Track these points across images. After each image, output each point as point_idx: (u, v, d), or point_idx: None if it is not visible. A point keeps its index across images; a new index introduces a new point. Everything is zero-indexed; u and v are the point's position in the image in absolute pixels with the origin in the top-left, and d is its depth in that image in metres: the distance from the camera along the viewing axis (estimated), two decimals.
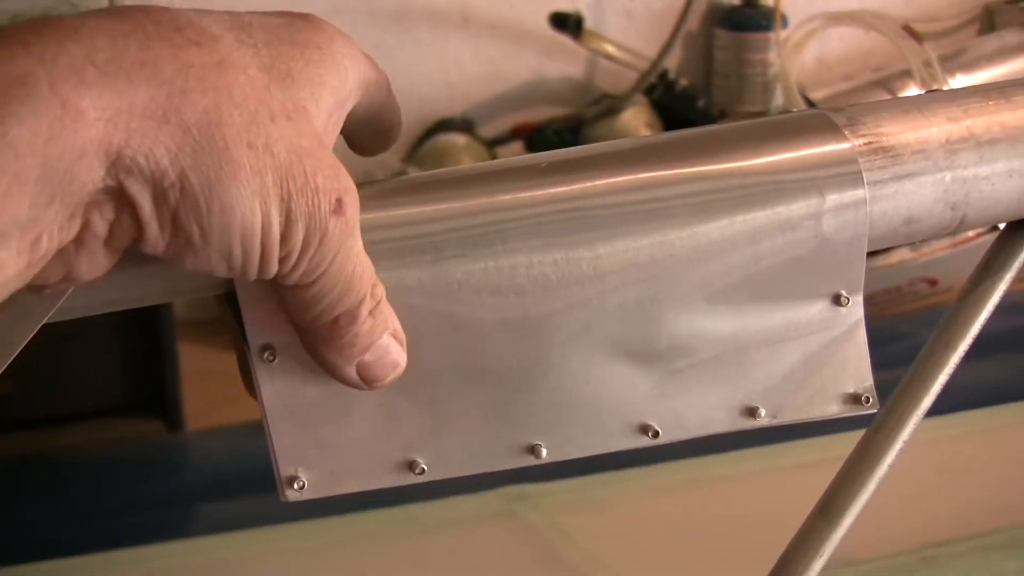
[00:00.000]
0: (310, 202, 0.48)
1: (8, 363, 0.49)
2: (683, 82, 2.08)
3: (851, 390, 0.63)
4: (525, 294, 0.57)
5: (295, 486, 0.56)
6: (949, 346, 0.68)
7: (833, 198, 0.60)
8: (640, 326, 0.59)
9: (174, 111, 0.45)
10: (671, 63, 2.09)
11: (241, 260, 0.48)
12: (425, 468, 0.57)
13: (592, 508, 1.32)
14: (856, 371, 0.63)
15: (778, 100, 2.07)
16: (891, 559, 1.20)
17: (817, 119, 0.62)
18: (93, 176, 0.44)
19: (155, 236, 0.47)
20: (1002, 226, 0.71)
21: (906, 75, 2.02)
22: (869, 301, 1.89)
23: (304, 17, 0.52)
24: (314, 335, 0.53)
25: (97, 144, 0.44)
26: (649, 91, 2.05)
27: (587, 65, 2.10)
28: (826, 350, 0.62)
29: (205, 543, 1.36)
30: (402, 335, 0.55)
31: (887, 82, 2.05)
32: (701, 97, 2.08)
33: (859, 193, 0.60)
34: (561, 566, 1.23)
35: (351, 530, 1.28)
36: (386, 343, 0.54)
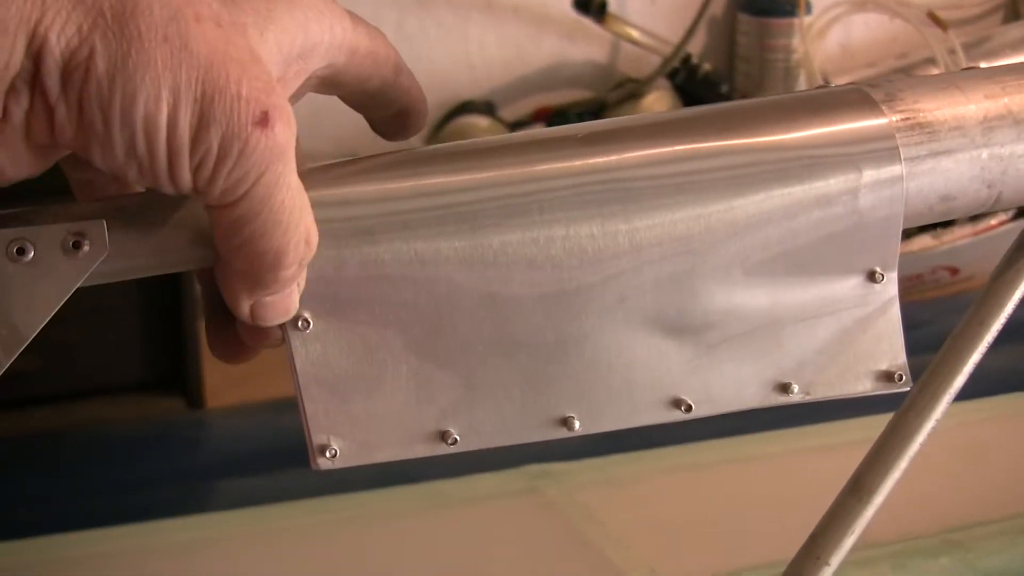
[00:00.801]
0: (228, 107, 0.46)
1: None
2: (706, 67, 2.07)
3: (884, 367, 0.62)
4: (561, 266, 0.56)
5: (327, 454, 0.56)
6: (983, 325, 0.67)
7: (870, 174, 0.60)
8: (675, 299, 0.58)
9: None
10: (694, 48, 2.08)
11: (147, 157, 0.46)
12: (458, 438, 0.57)
13: (614, 487, 1.32)
14: (890, 348, 0.62)
15: (801, 86, 2.07)
16: (915, 541, 1.20)
17: (854, 94, 0.62)
18: (14, 56, 0.44)
19: (62, 121, 0.46)
20: None
21: (930, 62, 2.02)
22: None
23: None
24: (231, 266, 0.51)
25: (18, 20, 0.43)
26: (672, 75, 2.05)
27: (610, 49, 2.10)
28: (860, 326, 0.62)
29: (224, 518, 1.36)
30: (303, 284, 0.53)
31: (911, 69, 2.05)
32: (724, 82, 2.08)
33: (896, 169, 0.60)
34: (582, 543, 1.23)
35: (371, 506, 1.28)
36: (292, 290, 0.53)
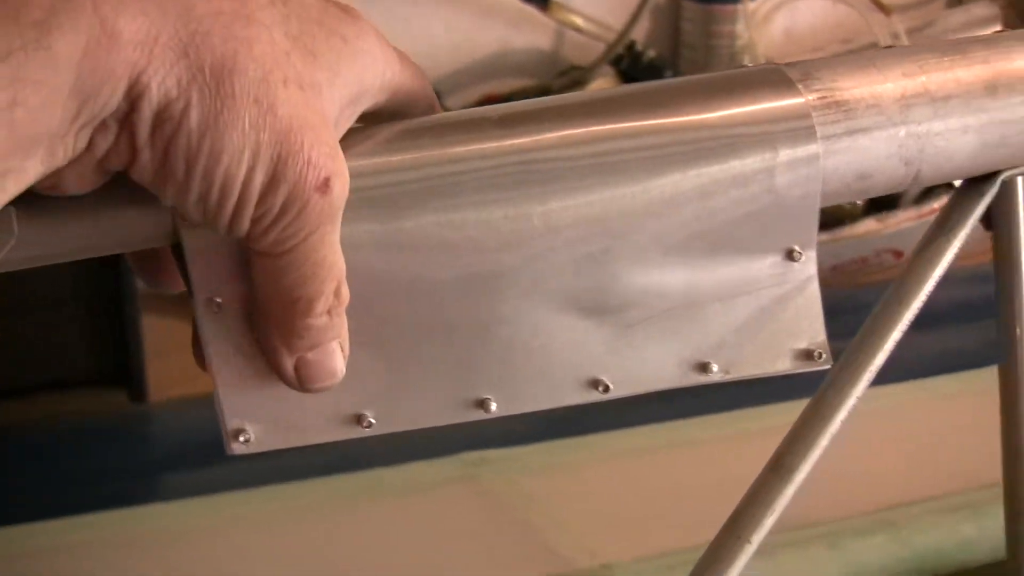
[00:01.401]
0: (298, 171, 0.48)
1: None
2: (650, 53, 2.08)
3: (804, 345, 0.62)
4: (477, 248, 0.56)
5: (241, 439, 0.55)
6: (903, 303, 0.67)
7: (786, 153, 0.60)
8: (593, 280, 0.58)
9: (194, 49, 0.46)
10: (638, 34, 2.08)
11: (215, 206, 0.49)
12: (373, 421, 0.57)
13: (551, 472, 1.32)
14: (809, 326, 0.62)
15: None
16: (850, 520, 1.21)
17: (771, 73, 0.62)
18: (114, 97, 0.46)
19: (145, 163, 0.48)
20: (958, 184, 0.71)
21: (874, 47, 2.02)
22: (836, 271, 1.90)
23: (342, 6, 0.53)
24: (268, 313, 0.53)
25: (124, 67, 0.45)
26: (616, 62, 2.05)
27: (554, 36, 2.10)
28: (779, 305, 0.62)
29: (169, 509, 1.35)
30: (347, 350, 0.55)
31: None
32: (668, 68, 2.08)
33: (812, 148, 0.60)
34: (520, 529, 1.23)
35: (313, 495, 1.28)
36: (332, 348, 0.54)
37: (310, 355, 0.54)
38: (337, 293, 0.53)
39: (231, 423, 0.55)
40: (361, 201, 0.54)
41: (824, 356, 0.63)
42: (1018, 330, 0.75)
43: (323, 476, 1.29)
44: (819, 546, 1.14)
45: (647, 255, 0.58)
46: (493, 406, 0.58)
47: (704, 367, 0.61)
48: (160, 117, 0.47)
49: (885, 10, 2.06)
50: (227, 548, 1.28)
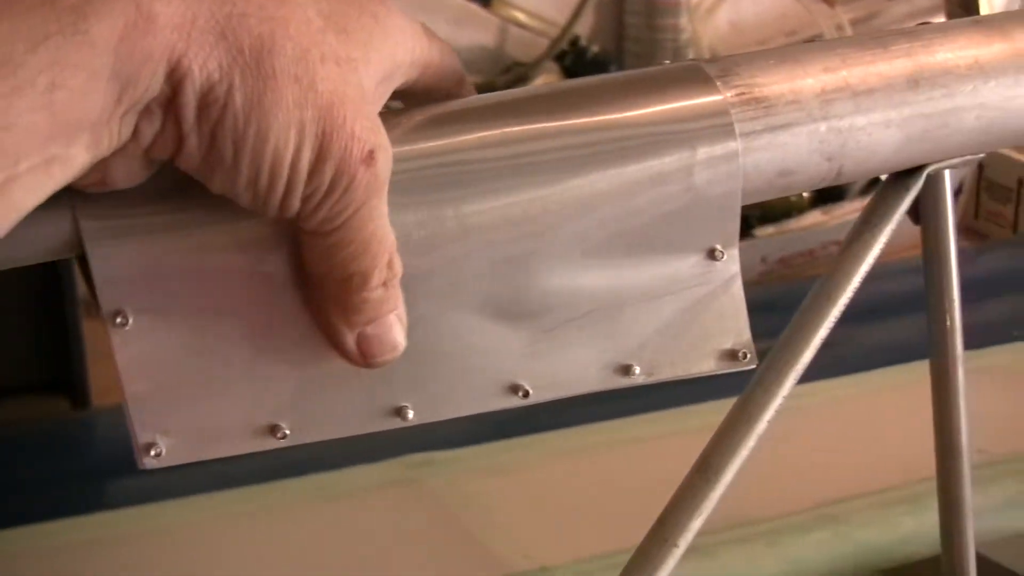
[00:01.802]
0: (343, 145, 0.49)
1: None
2: (594, 49, 2.07)
3: (728, 346, 0.62)
4: None
5: (152, 453, 0.54)
6: (830, 300, 0.67)
7: (705, 151, 0.59)
8: (511, 284, 0.57)
9: (231, 31, 0.46)
10: (582, 29, 2.08)
11: (266, 188, 0.49)
12: (288, 432, 0.56)
13: (494, 474, 1.31)
14: (733, 326, 0.62)
15: None
16: (790, 517, 1.20)
17: (690, 71, 0.61)
18: (154, 81, 0.46)
19: (192, 149, 0.48)
20: (884, 178, 0.71)
21: (818, 39, 2.03)
22: (783, 264, 1.90)
23: None
24: (324, 292, 0.53)
25: (162, 50, 0.45)
26: (560, 58, 2.05)
27: (497, 33, 2.09)
28: (701, 305, 0.61)
29: (111, 517, 1.34)
30: (405, 320, 0.55)
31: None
32: (612, 63, 2.07)
33: (731, 145, 0.59)
34: (462, 531, 1.22)
35: (256, 501, 1.26)
36: (391, 321, 0.54)
37: (370, 329, 0.54)
38: (390, 265, 0.53)
39: (142, 437, 0.54)
40: None
41: (749, 356, 0.62)
42: (948, 323, 0.75)
43: (266, 482, 1.28)
44: (758, 543, 1.14)
45: (566, 257, 0.57)
46: (410, 414, 0.57)
47: (626, 369, 0.60)
48: (205, 100, 0.47)
49: (829, 1, 2.06)
50: (170, 555, 1.27)
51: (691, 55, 2.07)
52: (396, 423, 0.57)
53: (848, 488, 1.25)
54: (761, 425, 0.65)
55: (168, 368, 0.54)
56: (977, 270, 1.89)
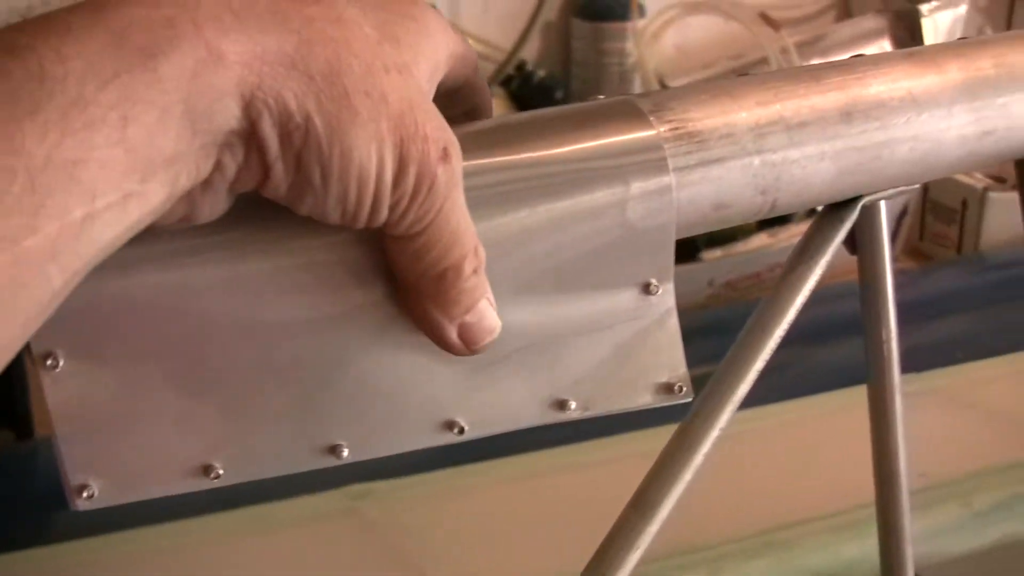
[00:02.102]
0: (420, 149, 0.50)
1: None
2: (541, 73, 2.07)
3: (664, 379, 0.62)
4: (323, 291, 0.55)
5: (84, 494, 0.54)
6: (766, 332, 0.67)
7: (638, 186, 0.59)
8: None
9: (300, 59, 0.48)
10: (528, 54, 2.08)
11: (355, 204, 0.50)
12: (222, 472, 0.55)
13: (434, 503, 1.31)
14: (669, 360, 0.62)
15: (636, 90, 2.07)
16: (735, 544, 1.20)
17: (623, 105, 0.61)
18: (229, 116, 0.47)
19: (279, 177, 0.49)
20: (819, 210, 0.71)
21: (764, 62, 2.04)
22: (730, 287, 1.90)
23: None
24: (420, 292, 0.55)
25: (234, 85, 0.46)
26: (506, 83, 2.05)
27: None
28: (637, 339, 0.61)
29: (54, 551, 1.33)
30: (494, 303, 0.56)
31: (745, 69, 2.06)
32: (559, 88, 2.08)
33: (664, 180, 0.59)
34: (403, 562, 1.22)
35: (198, 533, 1.25)
36: (484, 307, 0.55)
37: (468, 318, 0.55)
38: (476, 252, 0.54)
39: (74, 478, 0.54)
40: (203, 246, 0.53)
41: (685, 389, 0.62)
42: (884, 351, 0.75)
43: (205, 514, 1.27)
44: (701, 571, 1.14)
45: (497, 293, 0.57)
46: (345, 452, 0.57)
47: (562, 404, 0.60)
48: (285, 129, 0.48)
49: (774, 25, 2.07)
50: None
51: (637, 79, 2.07)
52: (331, 461, 0.57)
53: (792, 514, 1.25)
54: (698, 458, 0.65)
55: (99, 410, 0.54)
56: (921, 292, 1.90)
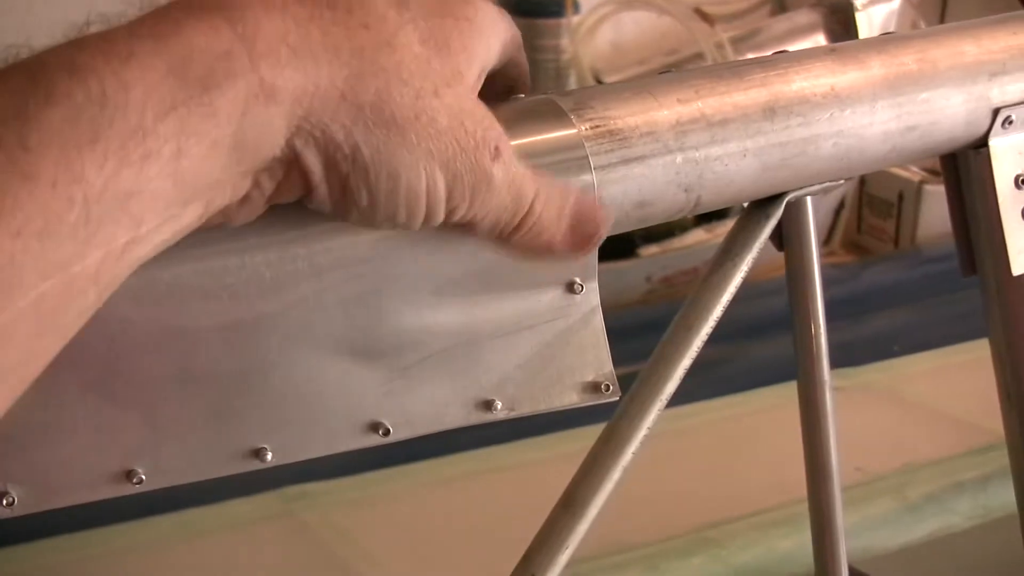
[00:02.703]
0: (472, 157, 0.52)
1: None
2: None
3: (590, 378, 0.62)
4: (238, 296, 0.54)
5: (3, 502, 0.53)
6: (691, 330, 0.67)
7: None
8: (364, 323, 0.57)
9: (350, 91, 0.49)
10: None
11: (406, 218, 0.52)
12: (144, 478, 0.55)
13: (369, 505, 1.30)
14: (595, 359, 0.62)
15: (572, 86, 2.07)
16: (669, 541, 1.20)
17: (543, 105, 0.61)
18: (274, 146, 0.48)
19: (323, 197, 0.51)
20: (745, 206, 0.71)
21: (699, 58, 2.04)
22: (667, 283, 1.89)
23: None
24: (512, 245, 0.57)
25: (283, 119, 0.47)
26: None
27: None
28: (562, 338, 0.61)
29: None
30: (582, 185, 0.58)
31: (681, 64, 2.06)
32: None
33: (586, 178, 0.59)
34: (333, 565, 1.21)
35: (130, 538, 1.24)
36: (570, 202, 0.57)
37: (566, 222, 0.57)
38: (576, 199, 0.57)
39: None
40: None
41: (612, 388, 0.62)
42: (813, 347, 0.75)
43: (137, 519, 1.26)
44: (636, 570, 1.14)
45: (418, 295, 0.57)
46: (269, 455, 0.56)
47: (488, 404, 0.60)
48: (332, 159, 0.49)
49: (709, 20, 2.07)
50: None
51: (573, 76, 2.07)
52: (255, 465, 0.56)
53: (726, 511, 1.25)
54: (626, 457, 0.65)
55: (14, 418, 0.53)
56: (859, 285, 1.91)
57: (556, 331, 0.61)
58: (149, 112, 0.44)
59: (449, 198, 0.52)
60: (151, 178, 0.45)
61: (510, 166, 0.54)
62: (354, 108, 0.49)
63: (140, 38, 0.45)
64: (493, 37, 0.57)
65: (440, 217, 0.53)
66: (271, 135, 0.48)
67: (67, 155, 0.43)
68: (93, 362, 0.53)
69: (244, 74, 0.46)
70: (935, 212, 2.04)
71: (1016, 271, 0.75)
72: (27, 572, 1.23)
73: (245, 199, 0.50)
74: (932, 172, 2.08)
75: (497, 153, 0.53)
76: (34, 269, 0.43)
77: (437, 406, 0.59)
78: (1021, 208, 0.75)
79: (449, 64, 0.52)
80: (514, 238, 0.56)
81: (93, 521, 1.25)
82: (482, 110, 0.53)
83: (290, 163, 0.49)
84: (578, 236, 0.58)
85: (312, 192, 0.50)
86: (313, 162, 0.49)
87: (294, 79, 0.47)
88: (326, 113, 0.48)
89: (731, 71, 0.65)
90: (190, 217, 0.48)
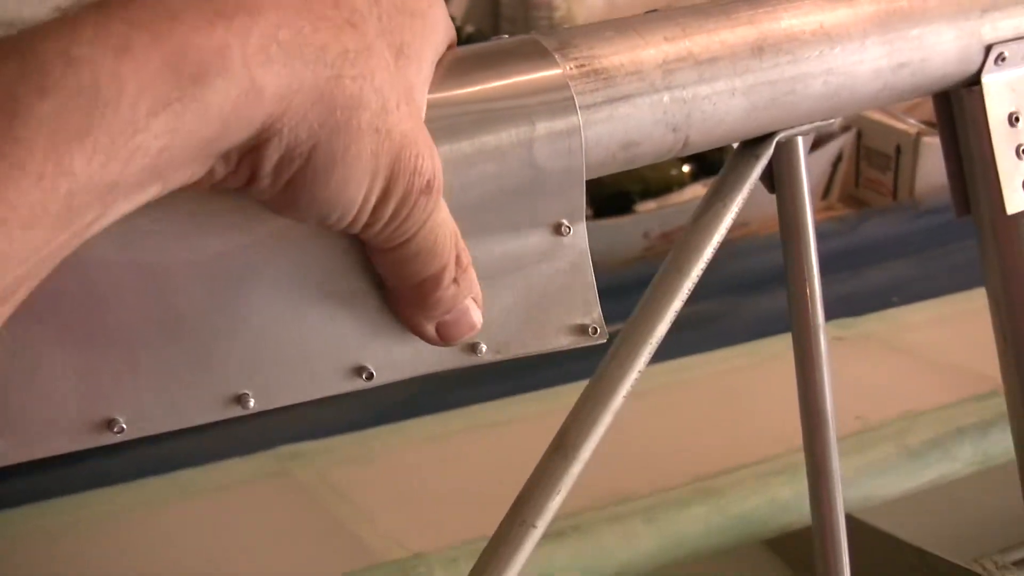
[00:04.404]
0: (407, 182, 0.51)
1: None
2: (469, 29, 2.06)
3: (578, 321, 0.61)
4: (218, 239, 0.54)
5: None
6: (682, 272, 0.66)
7: (544, 126, 0.58)
8: (345, 264, 0.56)
9: (328, 93, 0.48)
10: (456, 10, 2.06)
11: (335, 223, 0.52)
12: (124, 427, 0.54)
13: (365, 463, 1.29)
14: (583, 301, 0.61)
15: None
16: (667, 492, 1.19)
17: (527, 45, 0.60)
18: (242, 137, 0.47)
19: (263, 190, 0.50)
20: (735, 147, 0.70)
21: None
22: (664, 239, 1.89)
23: None
24: (400, 295, 0.56)
25: (262, 117, 0.47)
26: None
27: None
28: (549, 281, 0.60)
29: None
30: (480, 298, 0.58)
31: None
32: None
33: (572, 120, 0.58)
34: (334, 523, 1.21)
35: (124, 500, 1.24)
36: (467, 306, 0.57)
37: (448, 318, 0.57)
38: (458, 261, 0.56)
39: None
40: None
41: (600, 331, 0.61)
42: (807, 291, 0.75)
43: (134, 480, 1.25)
44: (635, 520, 1.13)
45: None
46: (251, 401, 0.56)
47: (474, 347, 0.59)
48: (287, 156, 0.48)
49: None
50: (36, 559, 1.24)
51: None
52: (237, 411, 0.55)
53: (725, 461, 1.25)
54: (617, 400, 0.64)
55: None
56: (857, 238, 1.90)
57: (544, 274, 0.60)
58: (142, 107, 0.44)
59: (375, 211, 0.52)
60: (133, 172, 0.45)
61: (437, 209, 0.54)
62: (326, 111, 0.48)
63: (139, 29, 0.44)
64: (441, 36, 0.57)
65: (359, 226, 0.52)
66: (245, 129, 0.47)
67: (56, 148, 0.42)
68: (71, 308, 0.52)
69: (235, 73, 0.46)
70: (933, 164, 2.03)
71: (1011, 210, 0.75)
72: (22, 535, 1.23)
73: (196, 184, 0.49)
74: (929, 124, 2.07)
75: (428, 188, 0.52)
76: (14, 258, 0.43)
77: (422, 349, 0.58)
78: (1015, 146, 0.74)
79: (404, 76, 0.53)
80: (408, 294, 0.56)
81: (87, 483, 1.24)
82: (425, 136, 0.53)
83: (247, 153, 0.48)
84: (449, 332, 0.58)
85: (254, 183, 0.50)
86: (270, 157, 0.49)
87: (281, 76, 0.47)
88: (300, 112, 0.48)
89: (719, 9, 0.65)
90: (150, 194, 0.47)
